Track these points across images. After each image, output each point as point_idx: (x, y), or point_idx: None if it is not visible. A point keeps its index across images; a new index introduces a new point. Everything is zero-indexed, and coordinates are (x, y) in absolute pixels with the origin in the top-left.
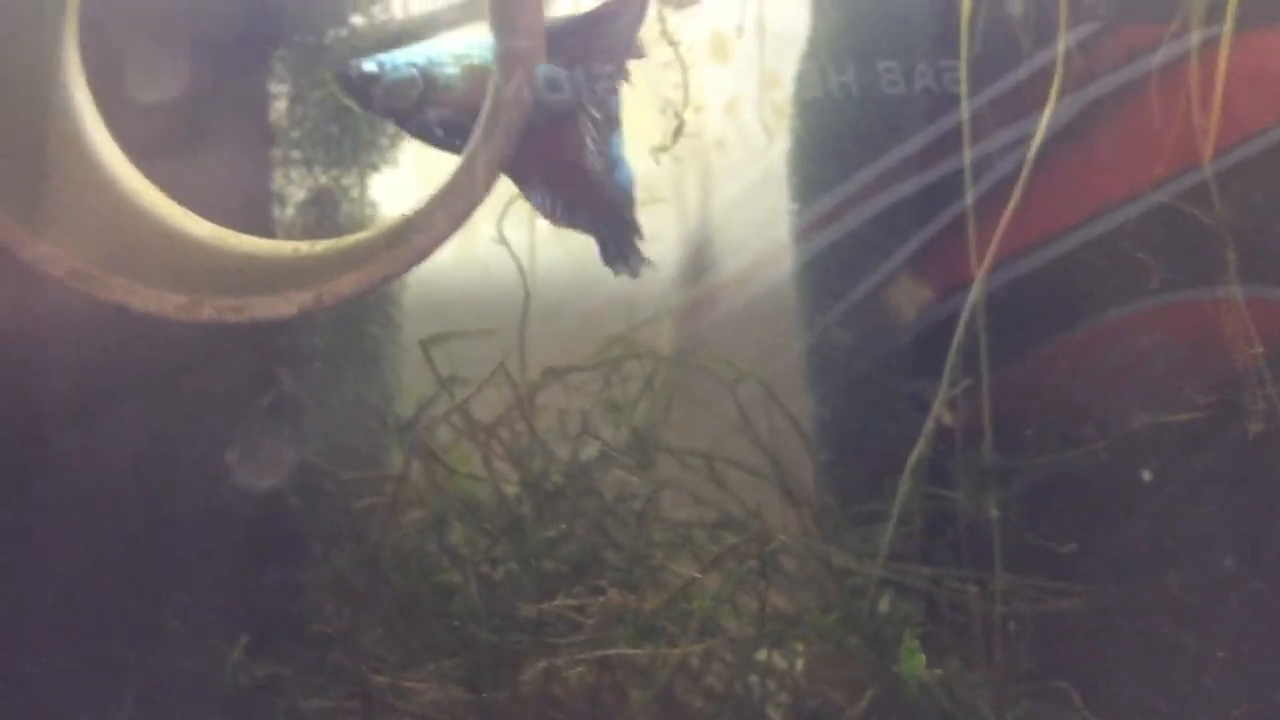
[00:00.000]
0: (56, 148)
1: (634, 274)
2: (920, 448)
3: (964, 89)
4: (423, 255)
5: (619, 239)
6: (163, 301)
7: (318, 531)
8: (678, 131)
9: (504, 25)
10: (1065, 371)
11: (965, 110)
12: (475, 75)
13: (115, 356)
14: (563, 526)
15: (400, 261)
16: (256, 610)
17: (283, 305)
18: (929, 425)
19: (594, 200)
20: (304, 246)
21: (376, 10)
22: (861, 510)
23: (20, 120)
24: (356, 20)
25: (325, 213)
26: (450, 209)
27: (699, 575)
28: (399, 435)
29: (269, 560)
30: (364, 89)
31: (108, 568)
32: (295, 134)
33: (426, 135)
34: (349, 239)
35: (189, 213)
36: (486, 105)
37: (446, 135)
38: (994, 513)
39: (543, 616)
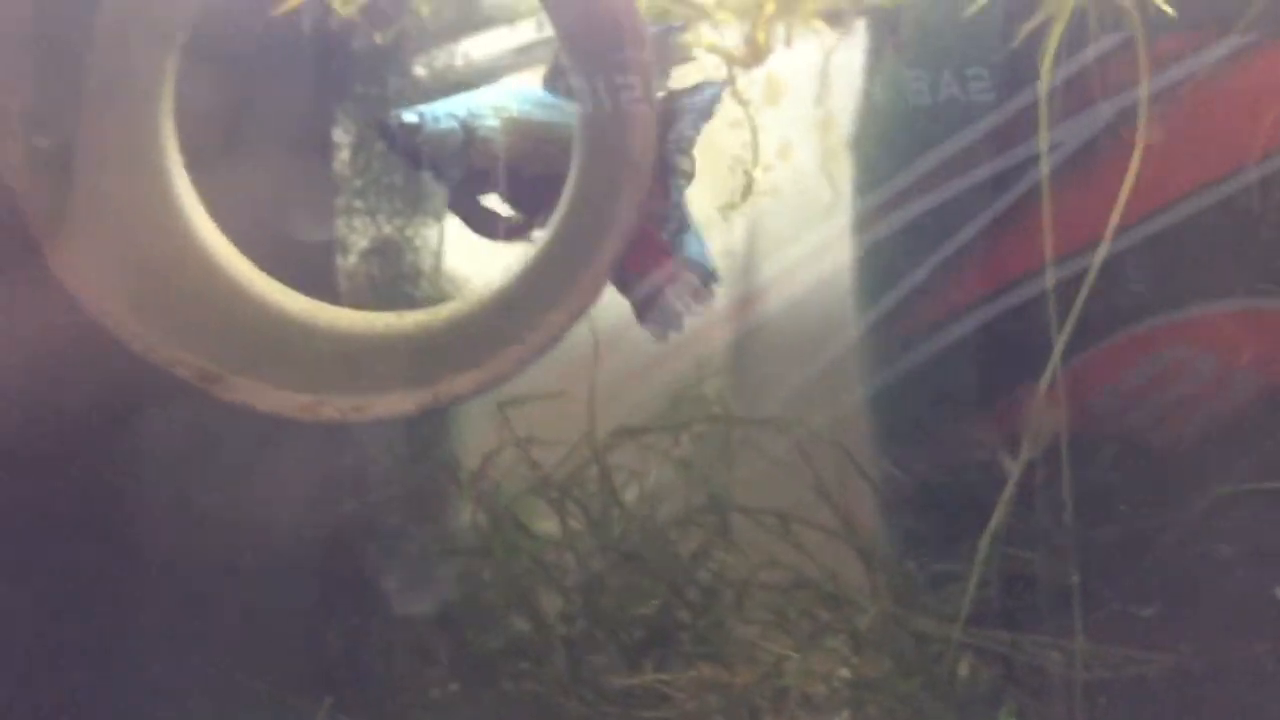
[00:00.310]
0: (163, 236)
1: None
2: (1000, 513)
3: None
4: (539, 354)
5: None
6: (287, 402)
7: (387, 585)
8: (747, 190)
9: (604, 63)
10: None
11: (1044, 165)
12: (514, 127)
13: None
14: (649, 597)
15: (516, 361)
16: (327, 665)
17: (403, 404)
18: (1009, 491)
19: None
20: (394, 320)
21: (440, 59)
22: (936, 570)
23: (131, 213)
24: (419, 70)
25: (388, 261)
26: (568, 308)
27: (794, 654)
28: (468, 489)
29: (337, 613)
30: (405, 140)
31: (179, 621)
32: (358, 183)
33: (467, 186)
34: (441, 312)
35: (282, 287)
36: (576, 169)
37: (484, 188)
38: (1075, 578)
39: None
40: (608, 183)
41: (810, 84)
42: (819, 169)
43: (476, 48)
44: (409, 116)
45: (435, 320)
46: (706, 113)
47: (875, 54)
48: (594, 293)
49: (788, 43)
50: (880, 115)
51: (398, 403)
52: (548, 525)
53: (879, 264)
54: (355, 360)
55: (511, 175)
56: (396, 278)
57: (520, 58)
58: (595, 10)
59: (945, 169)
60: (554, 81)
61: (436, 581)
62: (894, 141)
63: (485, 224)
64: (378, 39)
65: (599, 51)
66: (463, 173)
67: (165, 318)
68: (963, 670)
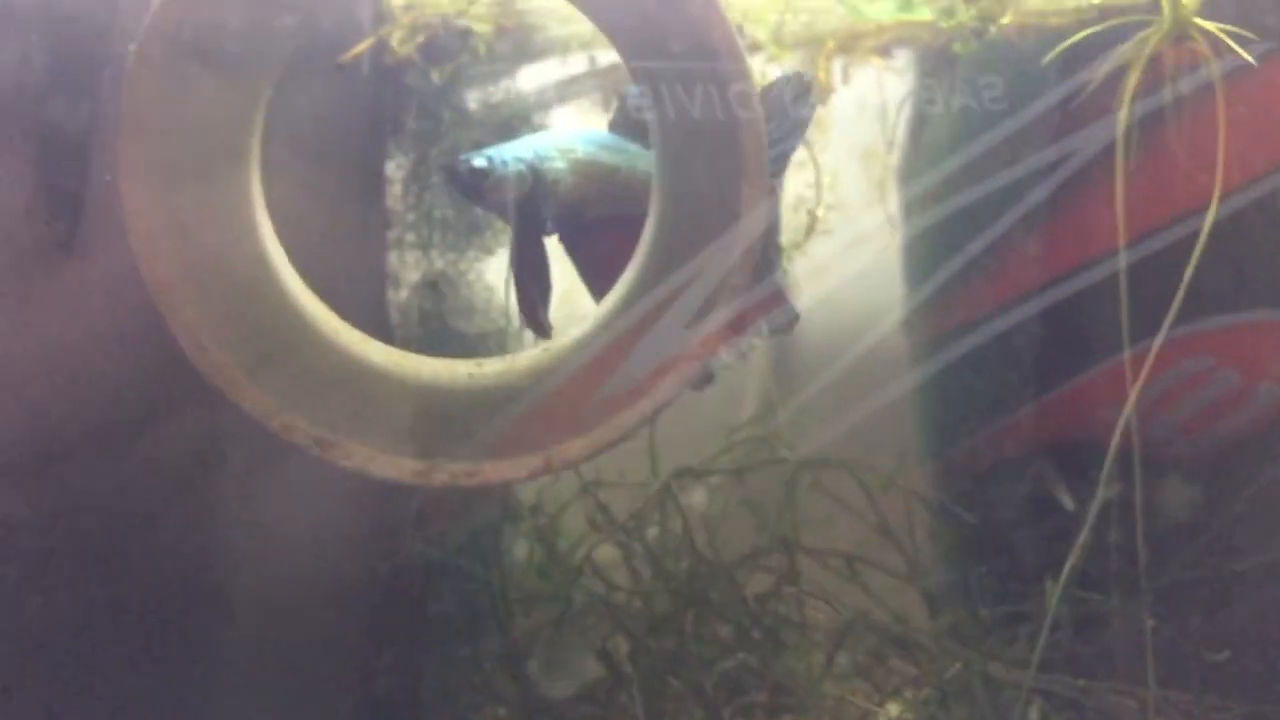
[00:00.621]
0: (267, 300)
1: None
2: (1074, 558)
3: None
4: (648, 420)
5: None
6: (400, 468)
7: (441, 619)
8: (810, 229)
9: (696, 73)
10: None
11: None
12: (580, 168)
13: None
14: (720, 642)
15: (625, 428)
16: (382, 705)
17: (513, 470)
18: (1083, 537)
19: None
20: (475, 369)
21: (492, 92)
22: (1002, 613)
23: (238, 279)
24: (471, 103)
25: (440, 295)
26: (678, 373)
27: (878, 709)
28: (521, 524)
29: (394, 651)
30: (474, 185)
31: (228, 656)
32: (411, 216)
33: (535, 229)
34: (519, 362)
35: (365, 337)
36: (665, 203)
37: (554, 229)
38: (1150, 624)
39: None
40: (714, 208)
41: (846, 115)
42: (862, 197)
43: (526, 80)
44: (478, 161)
45: (514, 371)
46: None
47: (926, 85)
48: (702, 358)
49: (845, 80)
50: (933, 145)
51: (509, 469)
52: (605, 554)
53: (930, 285)
54: (458, 420)
55: (574, 217)
56: (449, 312)
57: (569, 89)
58: (680, 19)
59: (998, 201)
60: (620, 124)
61: (580, 660)
62: (946, 170)
63: (535, 282)
64: (435, 76)
65: (690, 59)
66: (531, 217)
67: (278, 382)
68: (1033, 716)
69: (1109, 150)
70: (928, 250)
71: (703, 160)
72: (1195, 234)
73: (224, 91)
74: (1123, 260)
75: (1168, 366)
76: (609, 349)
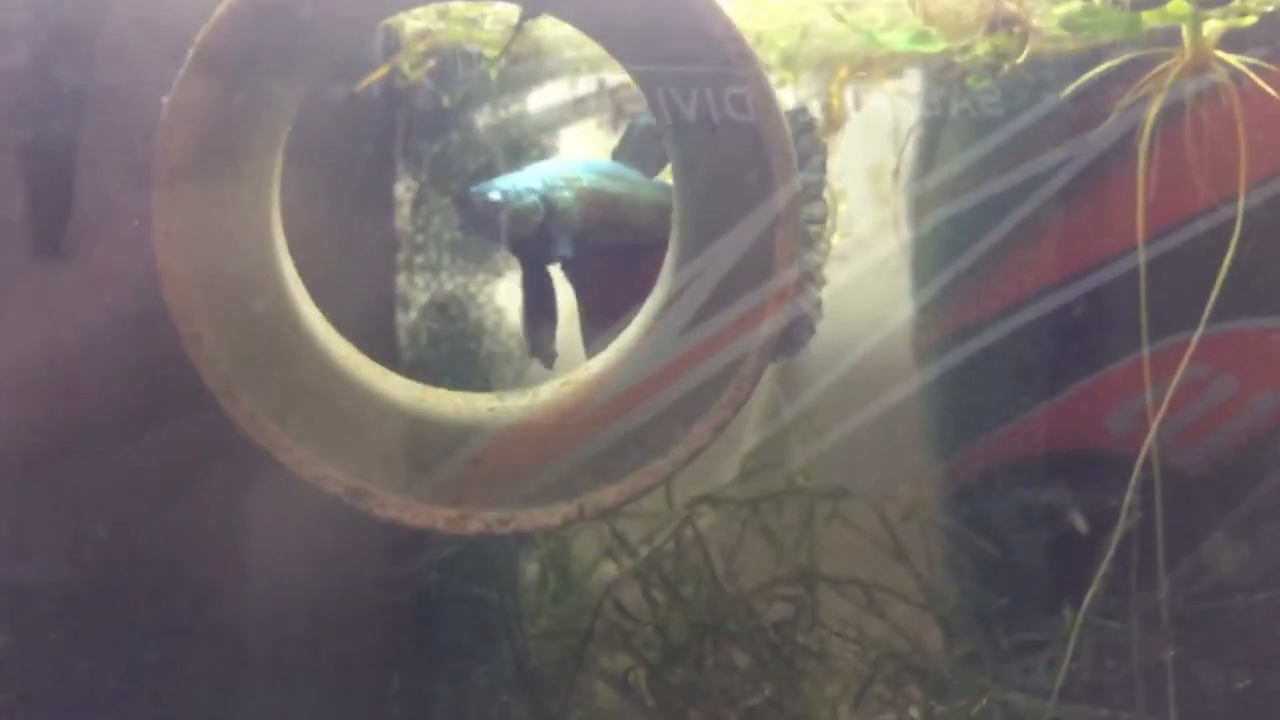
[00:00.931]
0: (296, 348)
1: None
2: (1095, 587)
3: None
4: (681, 467)
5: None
6: (434, 516)
7: (452, 643)
8: (826, 255)
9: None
10: None
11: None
12: (586, 196)
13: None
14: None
15: (659, 474)
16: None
17: (546, 517)
18: (1104, 567)
19: None
20: (495, 404)
21: (499, 114)
22: (1018, 640)
23: (270, 329)
24: (479, 125)
25: (449, 317)
26: (713, 420)
27: None
28: (535, 549)
29: (406, 674)
30: (488, 217)
31: (236, 677)
32: (420, 238)
33: (544, 259)
34: (540, 395)
35: (385, 372)
36: (687, 226)
37: (559, 257)
38: (1170, 654)
39: None
40: (740, 227)
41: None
42: (865, 213)
43: (534, 101)
44: (493, 195)
45: (535, 407)
46: (811, 158)
47: (934, 104)
48: (737, 404)
49: (858, 106)
50: (942, 163)
51: (542, 516)
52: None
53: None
54: (487, 465)
55: (578, 246)
56: (457, 334)
57: (574, 111)
58: (693, 28)
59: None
60: (623, 152)
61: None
62: (958, 190)
63: (542, 310)
64: (445, 100)
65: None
66: (541, 247)
67: (310, 429)
68: None
69: (1100, 161)
70: (934, 260)
71: (726, 178)
72: (1191, 242)
73: (257, 108)
74: (1143, 273)
75: (1166, 375)
76: (636, 384)
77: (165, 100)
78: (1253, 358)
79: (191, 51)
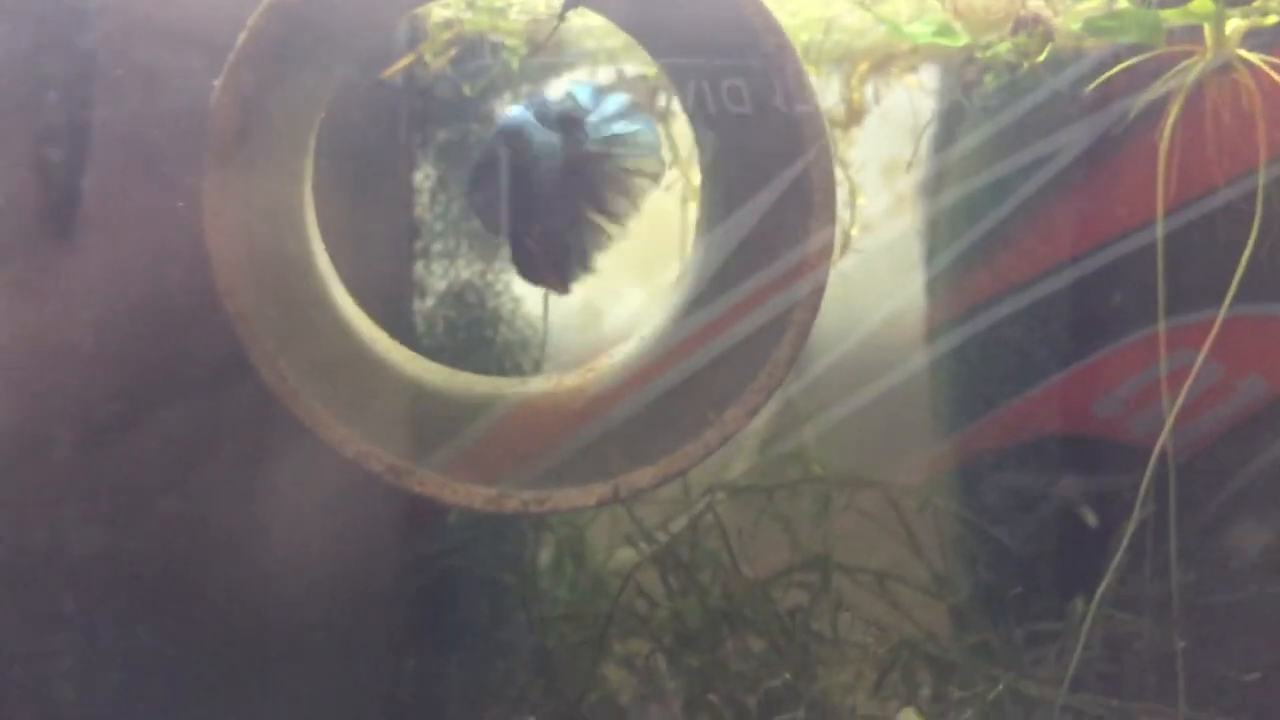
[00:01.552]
0: (337, 334)
1: None
2: (1108, 579)
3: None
4: (715, 451)
5: None
6: (472, 495)
7: (462, 623)
8: (845, 248)
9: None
10: None
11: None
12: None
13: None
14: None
15: (693, 457)
16: (404, 708)
17: (582, 497)
18: (1119, 557)
19: None
20: (520, 387)
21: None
22: (1031, 631)
23: (312, 315)
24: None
25: (466, 305)
26: (747, 405)
27: None
28: (550, 533)
29: (417, 655)
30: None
31: (248, 661)
32: (438, 226)
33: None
34: (566, 381)
35: (415, 355)
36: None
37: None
38: (1180, 644)
39: None
40: (779, 217)
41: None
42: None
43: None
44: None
45: (561, 391)
46: None
47: (950, 100)
48: (772, 388)
49: (877, 100)
50: (960, 159)
51: (579, 496)
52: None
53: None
54: (519, 443)
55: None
56: (474, 322)
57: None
58: (733, 21)
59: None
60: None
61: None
62: (972, 184)
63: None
64: (466, 89)
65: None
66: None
67: (354, 411)
68: None
69: (1099, 149)
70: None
71: (759, 168)
72: (1181, 229)
73: (297, 94)
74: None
75: (1154, 361)
76: (660, 369)
77: (216, 84)
78: (1240, 344)
79: (242, 37)
